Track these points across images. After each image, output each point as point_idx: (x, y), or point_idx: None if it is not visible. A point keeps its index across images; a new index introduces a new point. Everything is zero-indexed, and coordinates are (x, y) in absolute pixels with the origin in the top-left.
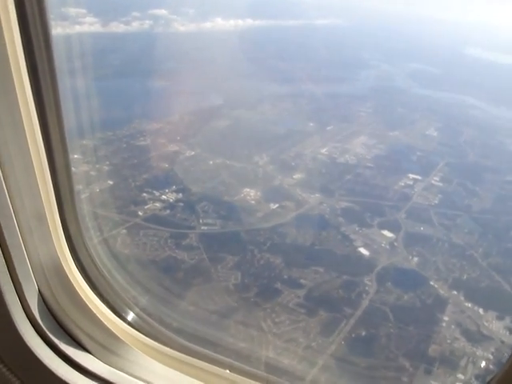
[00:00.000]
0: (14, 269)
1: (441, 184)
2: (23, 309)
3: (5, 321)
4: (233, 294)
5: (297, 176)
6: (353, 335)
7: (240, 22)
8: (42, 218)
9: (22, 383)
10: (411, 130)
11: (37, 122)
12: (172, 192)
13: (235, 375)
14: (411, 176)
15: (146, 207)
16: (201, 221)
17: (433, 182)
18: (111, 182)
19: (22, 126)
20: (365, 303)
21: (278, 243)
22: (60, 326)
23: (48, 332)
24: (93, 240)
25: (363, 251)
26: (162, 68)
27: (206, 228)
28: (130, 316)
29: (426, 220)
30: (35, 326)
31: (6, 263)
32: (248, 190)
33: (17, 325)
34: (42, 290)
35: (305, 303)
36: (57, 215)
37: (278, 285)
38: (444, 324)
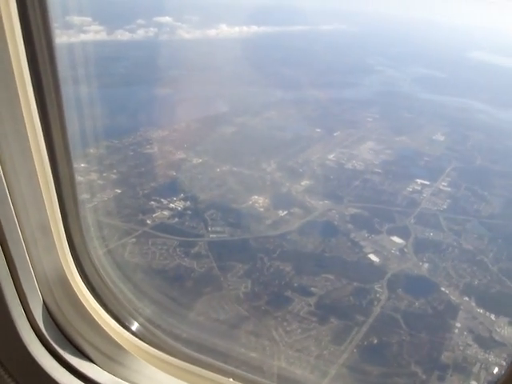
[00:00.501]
0: (19, 280)
1: (449, 189)
2: (28, 319)
3: (9, 331)
4: (243, 302)
5: (305, 182)
6: (365, 343)
7: (245, 28)
8: (46, 229)
9: None
10: (418, 135)
11: (41, 132)
12: (180, 200)
13: (238, 383)
14: (419, 181)
15: (154, 215)
16: (209, 229)
17: (441, 187)
18: (119, 191)
19: (26, 137)
20: (376, 310)
21: (287, 251)
22: (64, 336)
23: (52, 342)
24: (98, 250)
25: (373, 258)
26: (167, 75)
27: (214, 236)
28: (134, 326)
29: (435, 225)
30: (40, 336)
31: (10, 274)
32: (256, 197)
33: (21, 335)
34: (47, 301)
35: (316, 311)
36: (61, 226)
37: (289, 293)
38: (456, 330)
